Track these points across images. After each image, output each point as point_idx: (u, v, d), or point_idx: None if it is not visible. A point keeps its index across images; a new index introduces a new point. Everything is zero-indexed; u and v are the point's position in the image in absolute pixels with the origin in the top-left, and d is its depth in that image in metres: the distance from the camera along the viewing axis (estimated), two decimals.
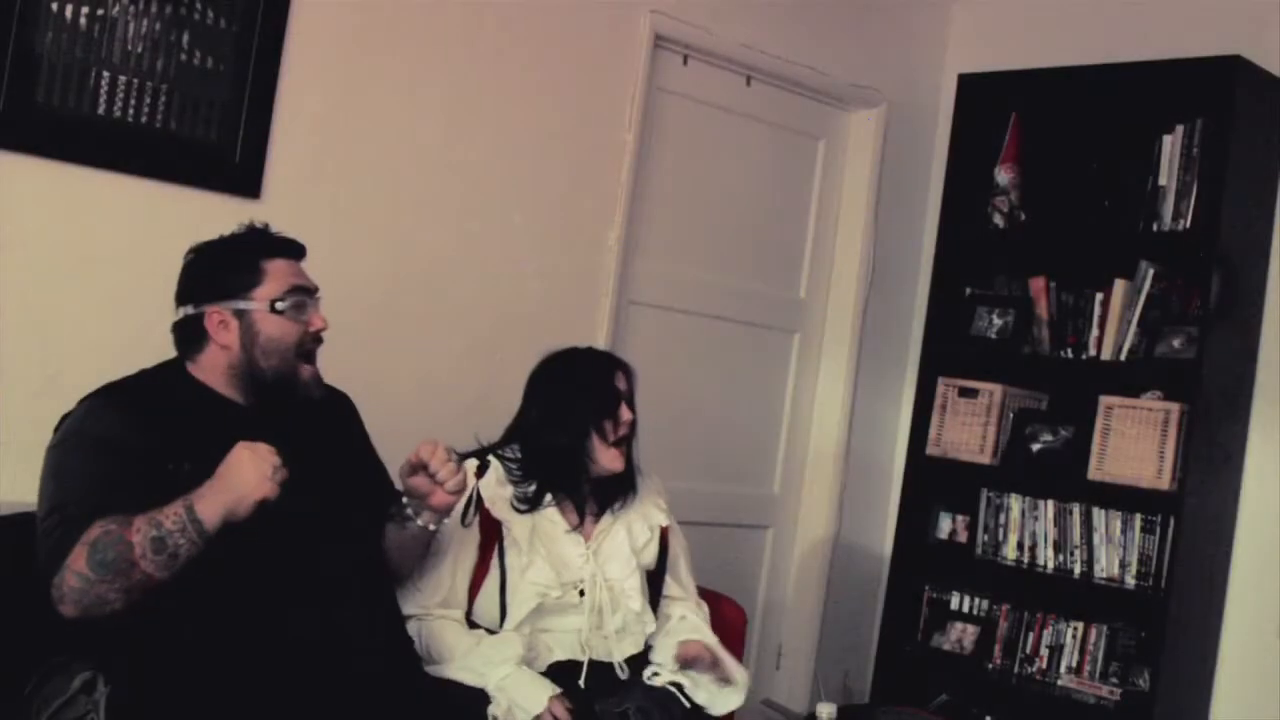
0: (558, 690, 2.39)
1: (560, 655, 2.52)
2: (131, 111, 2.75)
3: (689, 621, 2.71)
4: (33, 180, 2.66)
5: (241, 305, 2.18)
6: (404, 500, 2.27)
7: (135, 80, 2.74)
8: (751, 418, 4.17)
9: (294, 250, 2.30)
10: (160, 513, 1.95)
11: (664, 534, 2.76)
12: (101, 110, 2.71)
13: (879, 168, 4.27)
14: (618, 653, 2.56)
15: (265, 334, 2.18)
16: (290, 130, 2.99)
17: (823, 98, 4.18)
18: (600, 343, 3.62)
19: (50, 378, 2.62)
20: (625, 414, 2.63)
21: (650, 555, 2.70)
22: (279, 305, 2.19)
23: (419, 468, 2.21)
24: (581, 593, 2.55)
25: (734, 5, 3.85)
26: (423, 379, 3.26)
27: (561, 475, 2.60)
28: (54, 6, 2.63)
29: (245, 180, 2.92)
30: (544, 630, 2.52)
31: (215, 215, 2.82)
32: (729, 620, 2.94)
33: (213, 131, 2.86)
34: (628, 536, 2.65)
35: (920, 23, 4.37)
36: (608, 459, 2.61)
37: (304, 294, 2.23)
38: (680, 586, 2.77)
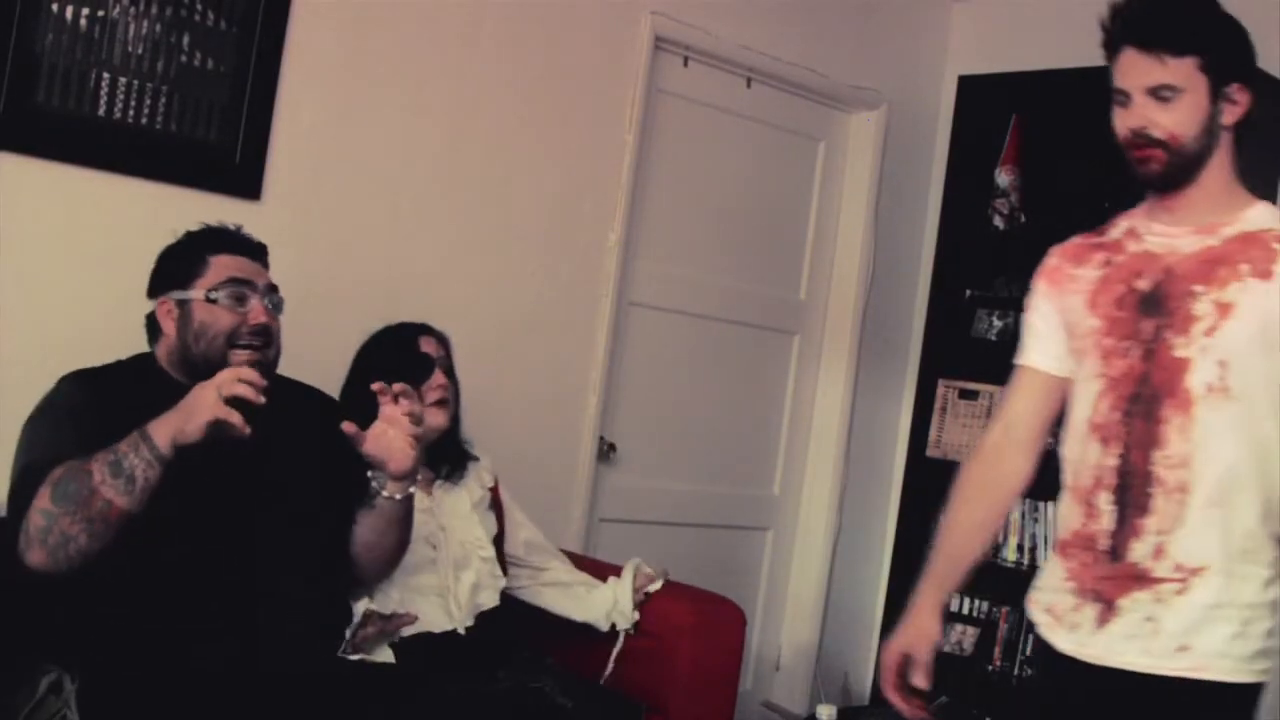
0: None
1: (428, 626, 2.56)
2: (131, 113, 2.75)
3: (601, 586, 2.90)
4: (33, 180, 2.66)
5: (183, 295, 2.28)
6: (369, 476, 2.31)
7: (135, 82, 2.75)
8: (751, 419, 4.17)
9: (245, 247, 2.36)
10: (118, 444, 2.03)
11: (495, 496, 2.84)
12: (102, 111, 2.71)
13: (879, 169, 4.27)
14: (484, 600, 2.66)
15: (199, 320, 2.26)
16: (290, 131, 3.00)
17: (823, 99, 4.18)
18: (600, 343, 3.63)
19: (50, 377, 2.60)
20: (436, 379, 2.67)
21: (491, 520, 2.78)
22: (212, 294, 2.26)
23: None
24: (434, 546, 2.62)
25: (734, 6, 3.85)
26: None
27: None
28: (54, 8, 2.63)
29: (245, 181, 2.93)
30: (411, 591, 2.57)
31: (215, 216, 2.81)
32: (729, 621, 2.94)
33: (213, 133, 2.86)
34: (467, 494, 2.74)
35: (921, 24, 4.37)
36: None
37: (243, 286, 2.29)
38: (543, 548, 2.93)
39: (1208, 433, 1.87)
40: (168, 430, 2.01)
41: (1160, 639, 1.88)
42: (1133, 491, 1.93)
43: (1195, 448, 1.88)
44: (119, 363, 2.33)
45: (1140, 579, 1.89)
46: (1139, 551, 1.90)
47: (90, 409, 2.12)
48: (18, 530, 2.03)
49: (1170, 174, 1.95)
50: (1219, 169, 1.97)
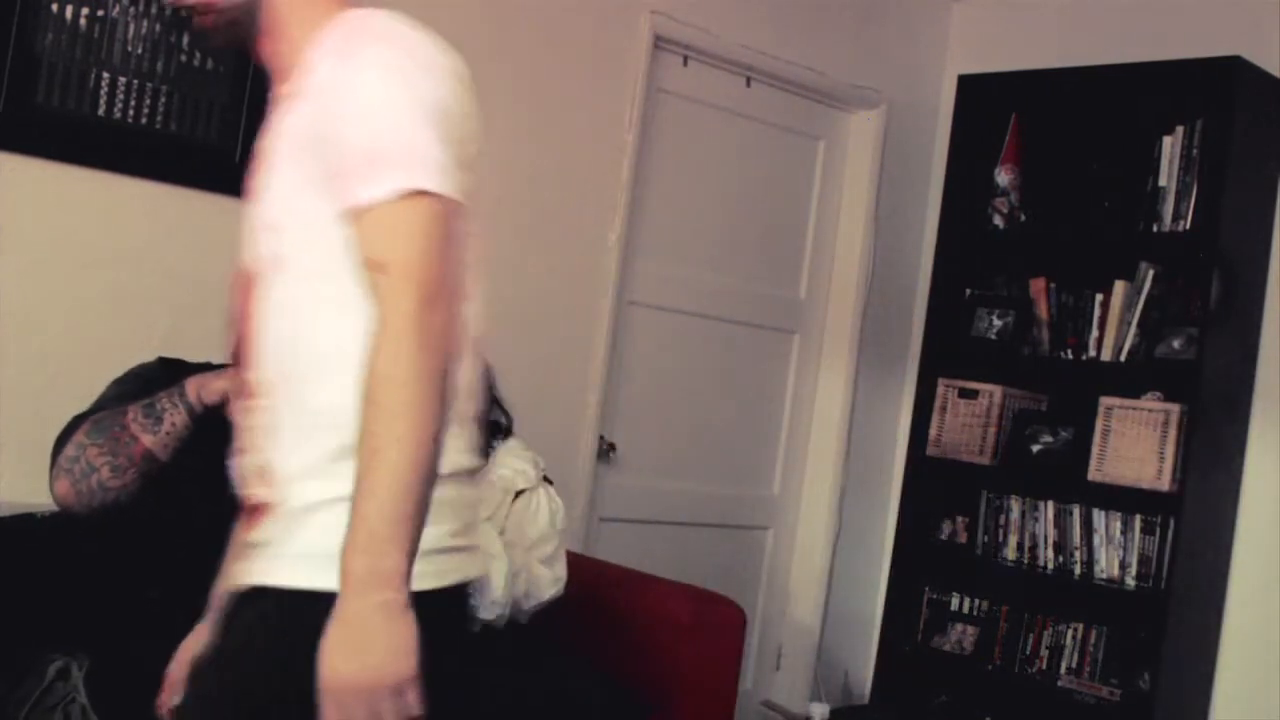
0: None
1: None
2: (131, 112, 2.75)
3: None
4: (33, 180, 2.66)
5: None
6: None
7: (135, 81, 2.75)
8: (751, 418, 4.17)
9: None
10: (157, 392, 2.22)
11: None
12: (101, 111, 2.71)
13: (879, 168, 4.27)
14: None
15: None
16: None
17: (823, 98, 4.18)
18: (600, 342, 3.63)
19: (50, 377, 2.62)
20: None
21: None
22: None
23: None
24: None
25: (734, 6, 3.85)
26: None
27: None
28: (54, 7, 2.63)
29: (245, 181, 2.92)
30: None
31: (215, 216, 2.83)
32: (729, 621, 2.94)
33: (213, 132, 2.87)
34: None
35: (920, 23, 4.37)
36: None
37: None
38: None
39: (269, 318, 1.49)
40: (196, 382, 2.22)
41: (267, 559, 1.44)
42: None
43: (261, 341, 1.50)
44: (208, 363, 2.44)
45: (258, 510, 1.48)
46: (249, 480, 1.52)
47: (160, 385, 2.25)
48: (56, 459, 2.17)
49: (228, 35, 1.56)
50: (301, 6, 1.53)
